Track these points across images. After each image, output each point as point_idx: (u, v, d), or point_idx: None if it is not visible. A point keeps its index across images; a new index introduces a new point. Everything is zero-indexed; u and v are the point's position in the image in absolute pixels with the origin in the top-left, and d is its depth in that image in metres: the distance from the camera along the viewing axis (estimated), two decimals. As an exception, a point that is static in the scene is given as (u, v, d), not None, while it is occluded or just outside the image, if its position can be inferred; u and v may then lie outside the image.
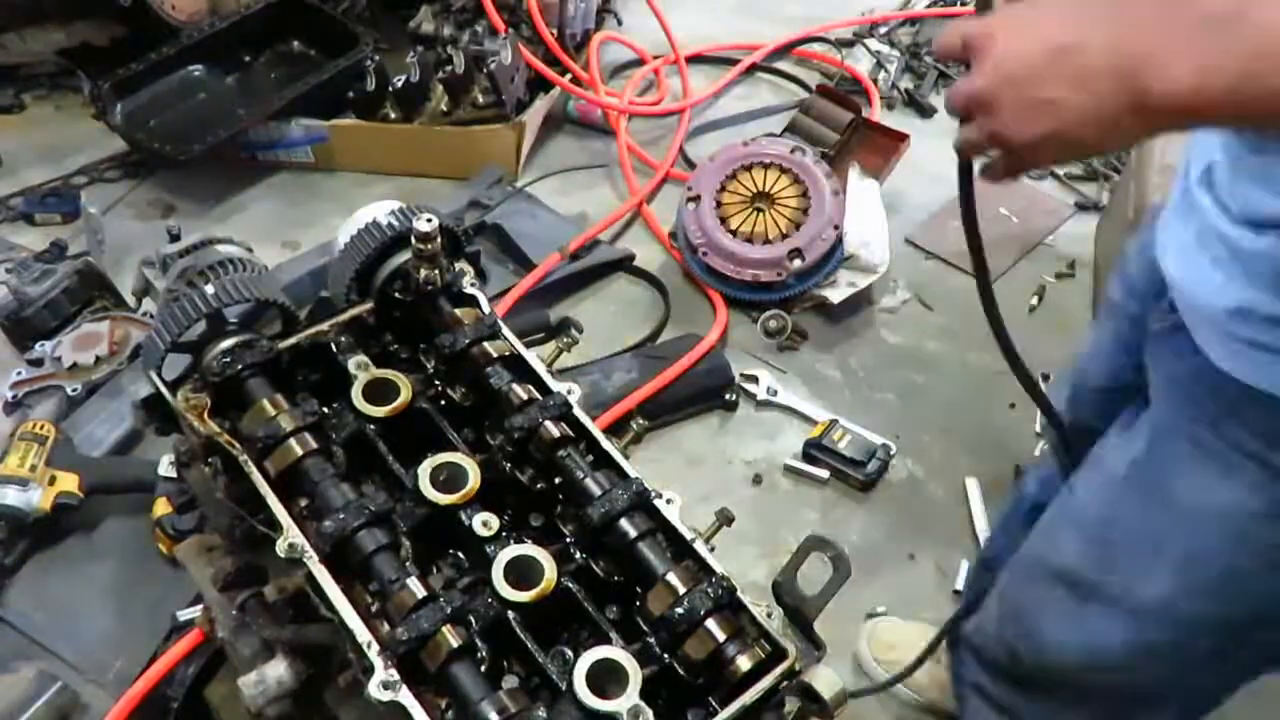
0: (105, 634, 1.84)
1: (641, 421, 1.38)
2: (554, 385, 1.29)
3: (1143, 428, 1.15)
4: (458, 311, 1.36)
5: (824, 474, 2.31)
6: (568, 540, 1.19)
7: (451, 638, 1.03)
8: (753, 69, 3.59)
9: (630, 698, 0.99)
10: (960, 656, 1.52)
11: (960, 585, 2.11)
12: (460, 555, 1.20)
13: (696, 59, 3.57)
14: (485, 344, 1.30)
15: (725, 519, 1.26)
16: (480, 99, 3.00)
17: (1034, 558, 1.34)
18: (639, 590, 1.12)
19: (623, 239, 2.89)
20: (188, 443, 1.25)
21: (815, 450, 2.34)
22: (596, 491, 1.17)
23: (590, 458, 1.23)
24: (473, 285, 1.41)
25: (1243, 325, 0.95)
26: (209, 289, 1.27)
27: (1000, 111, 0.84)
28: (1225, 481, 1.02)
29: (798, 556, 1.16)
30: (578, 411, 1.26)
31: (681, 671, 1.06)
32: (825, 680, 1.05)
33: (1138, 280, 1.25)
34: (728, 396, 2.45)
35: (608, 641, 1.07)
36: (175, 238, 1.62)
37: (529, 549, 1.13)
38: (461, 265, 1.42)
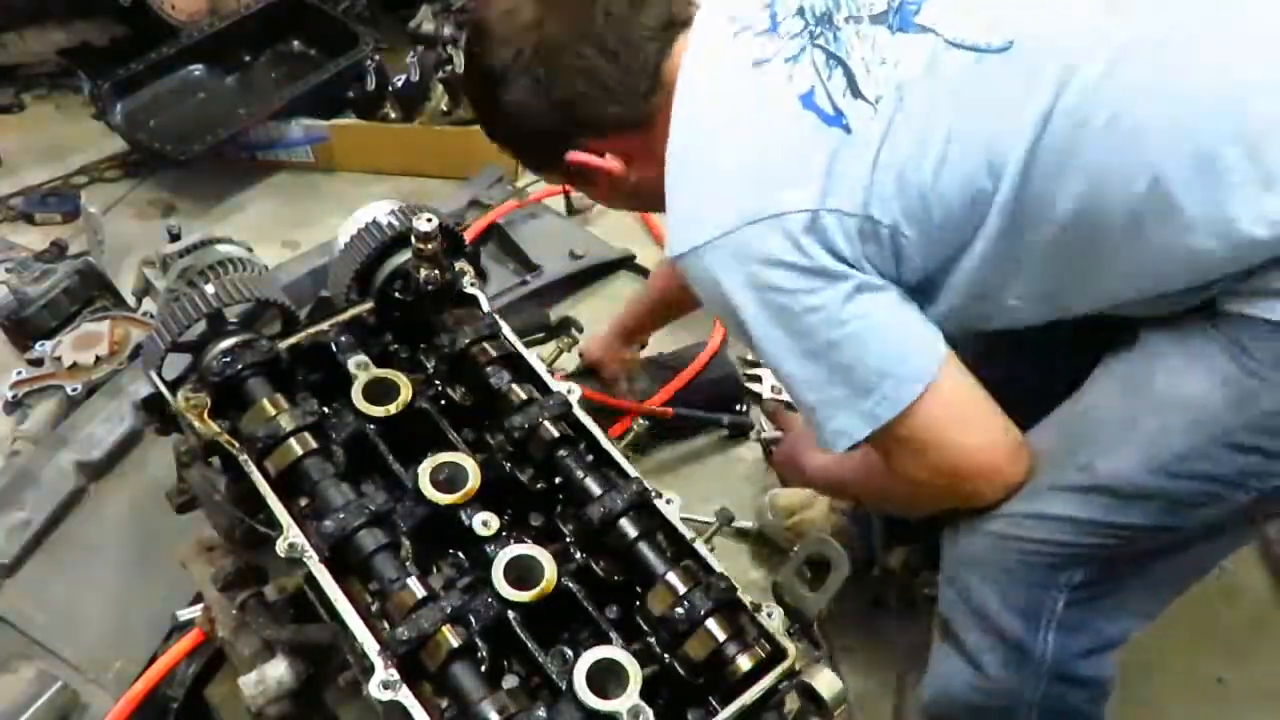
0: (105, 634, 1.84)
1: (642, 421, 1.38)
2: (554, 385, 1.29)
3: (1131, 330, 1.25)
4: (458, 311, 1.36)
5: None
6: (568, 540, 1.19)
7: (451, 637, 1.03)
8: (753, 69, 3.59)
9: (630, 697, 0.99)
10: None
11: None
12: (460, 555, 1.20)
13: (696, 59, 3.56)
14: (485, 344, 1.30)
15: (725, 519, 1.26)
16: (480, 99, 3.00)
17: None
18: (639, 590, 1.12)
19: (623, 239, 2.89)
20: (188, 443, 1.25)
21: None
22: (597, 491, 1.17)
23: (590, 457, 1.23)
24: (473, 285, 1.41)
25: None
26: (209, 289, 1.27)
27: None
28: (1202, 375, 1.14)
29: (798, 556, 1.16)
30: (578, 411, 1.26)
31: (681, 671, 1.06)
32: (825, 680, 1.05)
33: None
34: (739, 409, 2.31)
35: (608, 641, 1.07)
36: (175, 237, 1.62)
37: (529, 549, 1.13)
38: (461, 265, 1.42)
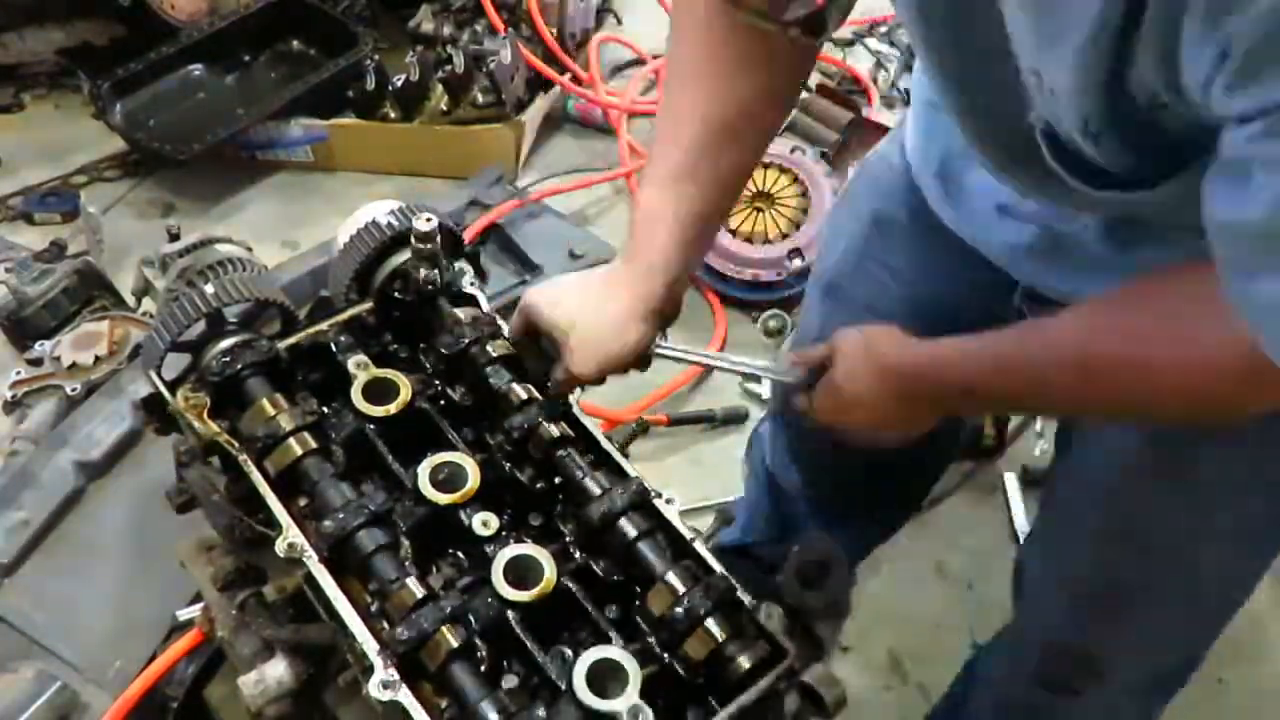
0: (105, 634, 1.84)
1: (644, 419, 1.38)
2: (554, 385, 1.29)
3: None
4: (458, 311, 1.36)
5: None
6: (567, 540, 1.18)
7: (451, 637, 1.03)
8: (753, 68, 3.59)
9: (630, 697, 0.99)
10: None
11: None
12: (460, 555, 1.19)
13: (697, 58, 3.56)
14: (485, 344, 1.30)
15: (725, 519, 1.25)
16: (480, 98, 3.00)
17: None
18: (639, 590, 1.12)
19: (622, 239, 2.89)
20: (187, 443, 1.25)
21: None
22: (596, 491, 1.17)
23: (590, 457, 1.23)
24: (473, 285, 1.41)
25: None
26: (209, 288, 1.27)
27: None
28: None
29: (797, 556, 1.16)
30: (578, 411, 1.26)
31: (681, 671, 1.06)
32: (825, 680, 1.05)
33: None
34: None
35: (607, 641, 1.07)
36: (175, 237, 1.62)
37: (529, 548, 1.13)
38: (461, 265, 1.42)
